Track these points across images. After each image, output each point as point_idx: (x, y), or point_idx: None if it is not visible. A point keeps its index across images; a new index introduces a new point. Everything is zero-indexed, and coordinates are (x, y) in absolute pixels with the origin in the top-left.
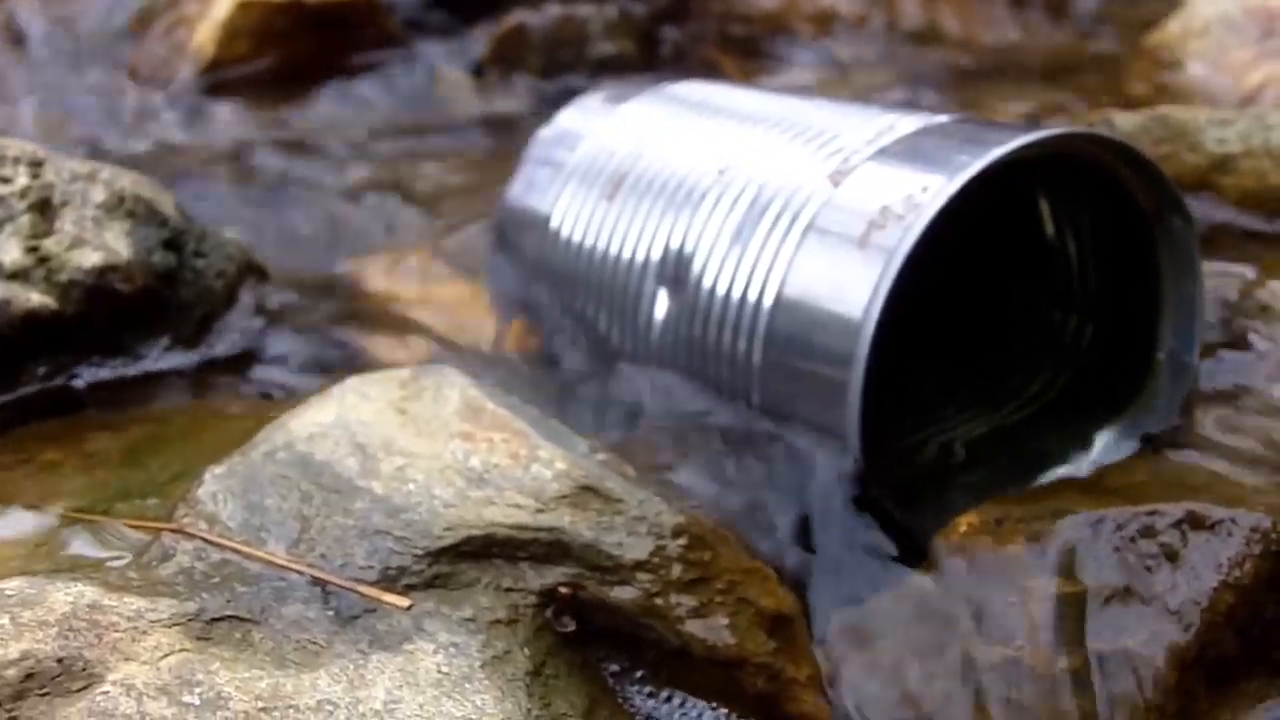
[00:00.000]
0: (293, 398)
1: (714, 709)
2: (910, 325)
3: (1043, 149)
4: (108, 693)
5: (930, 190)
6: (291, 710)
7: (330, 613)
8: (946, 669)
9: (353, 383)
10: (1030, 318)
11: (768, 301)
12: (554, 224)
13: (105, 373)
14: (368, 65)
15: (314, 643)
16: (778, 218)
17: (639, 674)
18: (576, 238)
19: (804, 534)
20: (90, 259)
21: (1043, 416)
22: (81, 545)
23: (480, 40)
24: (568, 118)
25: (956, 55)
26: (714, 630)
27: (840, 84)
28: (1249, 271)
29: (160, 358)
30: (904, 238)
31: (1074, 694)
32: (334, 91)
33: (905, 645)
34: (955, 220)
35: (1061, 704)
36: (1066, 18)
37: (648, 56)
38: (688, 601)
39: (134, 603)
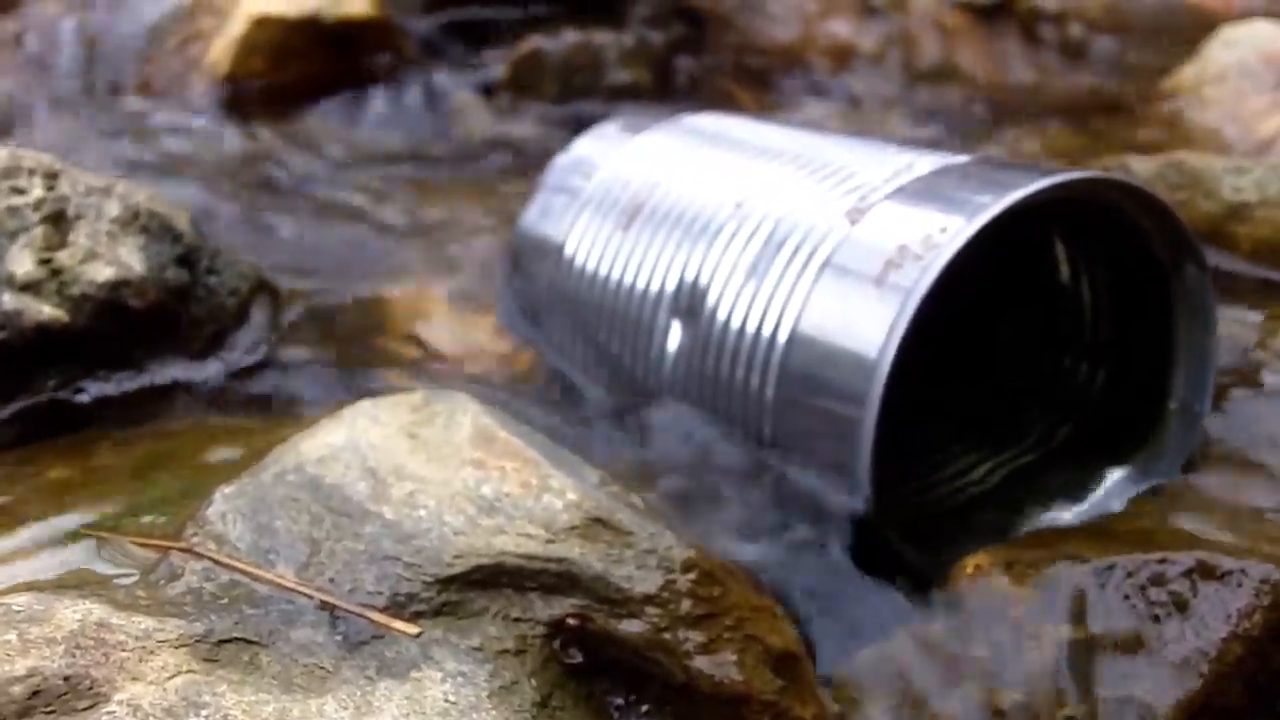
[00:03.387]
0: (303, 419)
1: None
2: (922, 364)
3: (1061, 192)
4: (114, 713)
5: (949, 231)
6: None
7: (338, 638)
8: (952, 712)
9: (364, 406)
10: (1042, 361)
11: (782, 337)
12: (568, 252)
13: (115, 387)
14: (382, 85)
15: (321, 668)
16: (794, 253)
17: (644, 708)
18: (591, 266)
19: (812, 572)
20: (103, 273)
21: (1052, 460)
22: (89, 562)
23: (495, 64)
24: (584, 145)
25: (972, 94)
26: (721, 666)
27: (856, 119)
28: (1262, 319)
29: (171, 374)
30: (921, 278)
31: None
32: (348, 110)
33: (911, 686)
34: (969, 261)
35: None
36: (1083, 60)
37: (663, 86)
38: (695, 637)
39: (142, 622)
